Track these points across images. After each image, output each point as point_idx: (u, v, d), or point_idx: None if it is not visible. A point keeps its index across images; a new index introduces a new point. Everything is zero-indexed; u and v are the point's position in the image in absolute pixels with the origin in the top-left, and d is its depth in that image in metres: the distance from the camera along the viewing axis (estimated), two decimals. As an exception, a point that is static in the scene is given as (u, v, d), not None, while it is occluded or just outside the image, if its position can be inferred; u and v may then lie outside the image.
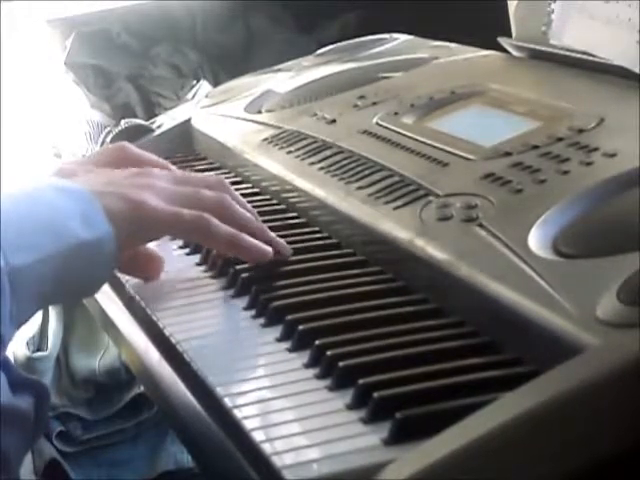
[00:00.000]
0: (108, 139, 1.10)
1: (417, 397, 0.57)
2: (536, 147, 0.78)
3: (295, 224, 0.85)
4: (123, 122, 1.11)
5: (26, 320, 0.69)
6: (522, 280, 0.63)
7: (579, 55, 0.96)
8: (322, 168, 0.87)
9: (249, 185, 0.96)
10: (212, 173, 0.99)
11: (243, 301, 0.75)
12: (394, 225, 0.74)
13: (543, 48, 1.01)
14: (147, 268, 0.81)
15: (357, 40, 1.25)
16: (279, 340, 0.69)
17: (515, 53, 1.06)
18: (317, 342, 0.65)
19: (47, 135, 1.77)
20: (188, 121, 1.11)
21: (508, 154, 0.79)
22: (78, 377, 1.54)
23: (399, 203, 0.77)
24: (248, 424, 0.59)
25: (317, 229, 0.84)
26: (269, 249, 0.77)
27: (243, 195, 0.83)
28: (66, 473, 1.50)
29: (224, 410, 0.62)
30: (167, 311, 0.75)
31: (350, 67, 1.13)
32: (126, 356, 0.83)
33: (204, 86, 1.79)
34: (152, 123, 1.14)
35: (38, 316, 1.51)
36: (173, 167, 0.84)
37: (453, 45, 1.15)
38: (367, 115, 0.95)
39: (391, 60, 1.13)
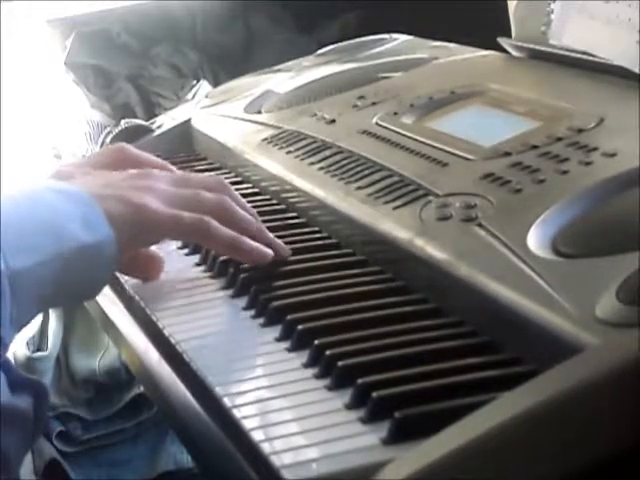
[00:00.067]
0: (108, 139, 1.10)
1: (416, 397, 0.58)
2: (535, 147, 0.79)
3: (295, 224, 0.85)
4: (123, 122, 1.11)
5: (26, 322, 0.69)
6: (521, 280, 0.63)
7: (579, 55, 0.96)
8: (322, 168, 0.87)
9: (249, 185, 0.96)
10: (212, 173, 1.00)
11: (242, 301, 0.75)
12: (394, 225, 0.74)
13: (543, 48, 1.01)
14: (147, 268, 0.81)
15: (357, 40, 1.25)
16: (278, 340, 0.69)
17: (515, 53, 1.06)
18: (316, 342, 0.65)
19: (47, 135, 1.77)
20: (188, 121, 1.11)
21: (508, 154, 0.79)
22: (78, 377, 1.54)
23: (399, 203, 0.77)
24: (247, 424, 0.59)
25: (317, 229, 0.84)
26: (269, 251, 0.77)
27: (243, 195, 0.83)
28: (66, 473, 1.50)
29: (223, 410, 0.62)
30: (167, 311, 0.76)
31: (350, 67, 1.13)
32: (126, 356, 0.83)
33: (204, 86, 1.79)
34: (152, 123, 1.14)
35: (38, 316, 1.51)
36: (173, 168, 0.84)
37: (453, 45, 1.15)
38: (367, 115, 0.95)
39: (391, 60, 1.13)
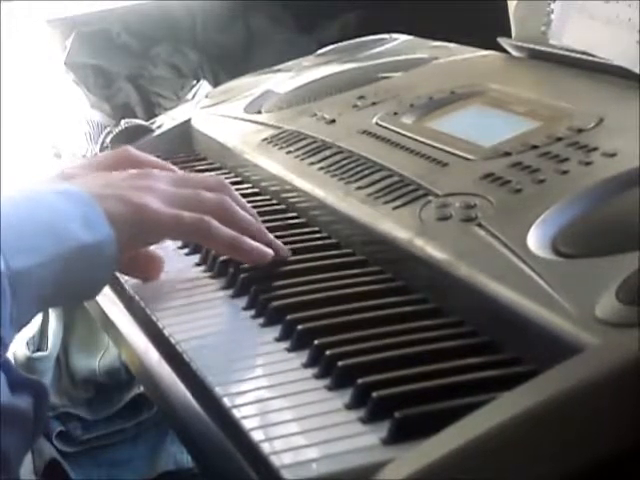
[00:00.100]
0: (108, 139, 1.10)
1: (416, 397, 0.58)
2: (535, 147, 0.79)
3: (295, 224, 0.85)
4: (123, 122, 1.11)
5: (27, 323, 0.69)
6: (521, 280, 0.63)
7: (579, 55, 0.96)
8: (322, 168, 0.87)
9: (249, 185, 0.96)
10: (212, 173, 1.00)
11: (242, 301, 0.75)
12: (393, 225, 0.74)
13: (543, 48, 1.01)
14: (147, 268, 0.81)
15: (357, 40, 1.25)
16: (278, 340, 0.69)
17: (515, 53, 1.06)
18: (316, 342, 0.65)
19: (47, 135, 1.77)
20: (188, 121, 1.11)
21: (507, 154, 0.79)
22: (78, 377, 1.54)
23: (398, 203, 0.77)
24: (247, 424, 0.59)
25: (317, 229, 0.84)
26: (269, 251, 0.77)
27: (243, 195, 0.83)
28: (66, 473, 1.50)
29: (223, 410, 0.62)
30: (167, 311, 0.76)
31: (350, 67, 1.13)
32: (126, 356, 0.83)
33: (204, 86, 1.79)
34: (152, 123, 1.14)
35: (38, 316, 1.51)
36: (176, 169, 0.84)
37: (453, 45, 1.15)
38: (367, 115, 0.95)
39: (391, 60, 1.13)
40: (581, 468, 0.48)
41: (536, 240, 0.66)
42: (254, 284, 0.75)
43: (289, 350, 0.67)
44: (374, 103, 0.98)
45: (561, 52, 0.99)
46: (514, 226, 0.68)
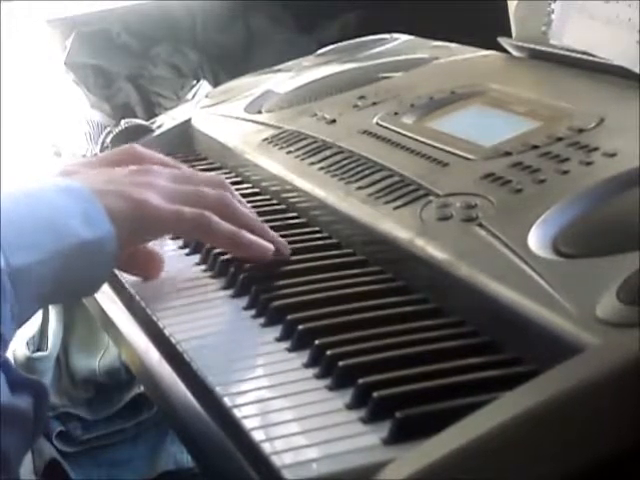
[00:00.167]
0: (108, 139, 1.10)
1: (417, 397, 0.57)
2: (536, 147, 0.78)
3: (295, 224, 0.85)
4: (123, 122, 1.11)
5: (27, 319, 0.69)
6: (522, 280, 0.63)
7: (579, 55, 0.96)
8: (322, 168, 0.87)
9: (249, 185, 0.96)
10: (212, 173, 0.99)
11: (243, 301, 0.75)
12: (394, 225, 0.74)
13: (543, 48, 1.01)
14: (147, 267, 0.81)
15: (357, 40, 1.25)
16: (279, 340, 0.69)
17: (515, 53, 1.06)
18: (317, 342, 0.65)
19: (47, 135, 1.77)
20: (188, 121, 1.11)
21: (508, 154, 0.79)
22: (78, 377, 1.54)
23: (399, 203, 0.77)
24: (248, 423, 0.59)
25: (317, 229, 0.84)
26: (270, 246, 0.77)
27: (243, 195, 0.83)
28: (66, 473, 1.50)
29: (224, 410, 0.62)
30: (167, 311, 0.75)
31: (350, 67, 1.13)
32: (126, 356, 0.83)
33: (204, 86, 1.79)
34: (152, 123, 1.14)
35: (38, 316, 1.51)
36: (183, 166, 0.84)
37: (453, 45, 1.15)
38: (367, 115, 0.95)
39: (391, 60, 1.13)
40: (582, 468, 0.48)
41: (537, 240, 0.66)
42: (255, 284, 0.75)
43: (290, 350, 0.67)
44: (374, 103, 0.98)
45: (561, 52, 0.99)
46: (515, 226, 0.68)
